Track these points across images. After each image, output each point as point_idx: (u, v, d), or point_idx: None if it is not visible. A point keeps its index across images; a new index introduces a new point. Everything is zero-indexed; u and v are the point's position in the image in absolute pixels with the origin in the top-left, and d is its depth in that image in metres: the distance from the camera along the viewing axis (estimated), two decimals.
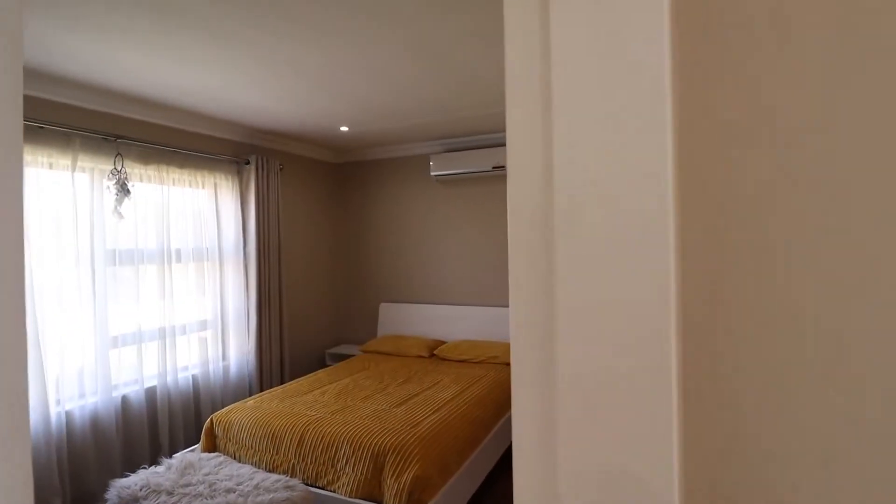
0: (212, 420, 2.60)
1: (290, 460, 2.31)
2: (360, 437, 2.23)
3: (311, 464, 2.26)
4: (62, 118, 2.65)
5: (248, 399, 2.81)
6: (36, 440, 2.44)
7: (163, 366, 3.08)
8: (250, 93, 2.80)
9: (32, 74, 2.42)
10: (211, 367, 3.42)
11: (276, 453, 2.35)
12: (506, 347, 3.61)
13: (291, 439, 2.33)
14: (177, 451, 3.07)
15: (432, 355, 3.83)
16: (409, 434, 2.25)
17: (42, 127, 2.51)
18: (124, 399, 2.90)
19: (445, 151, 4.20)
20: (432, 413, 2.53)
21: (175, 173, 3.19)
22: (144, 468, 2.20)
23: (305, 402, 2.72)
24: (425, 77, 2.60)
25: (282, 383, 3.85)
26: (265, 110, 3.17)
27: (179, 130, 3.28)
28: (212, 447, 2.57)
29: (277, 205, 3.86)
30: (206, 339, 3.40)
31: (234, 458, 2.45)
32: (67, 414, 2.62)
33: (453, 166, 3.98)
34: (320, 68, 2.45)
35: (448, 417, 2.49)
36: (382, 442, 2.18)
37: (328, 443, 2.25)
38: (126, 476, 2.12)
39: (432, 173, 4.06)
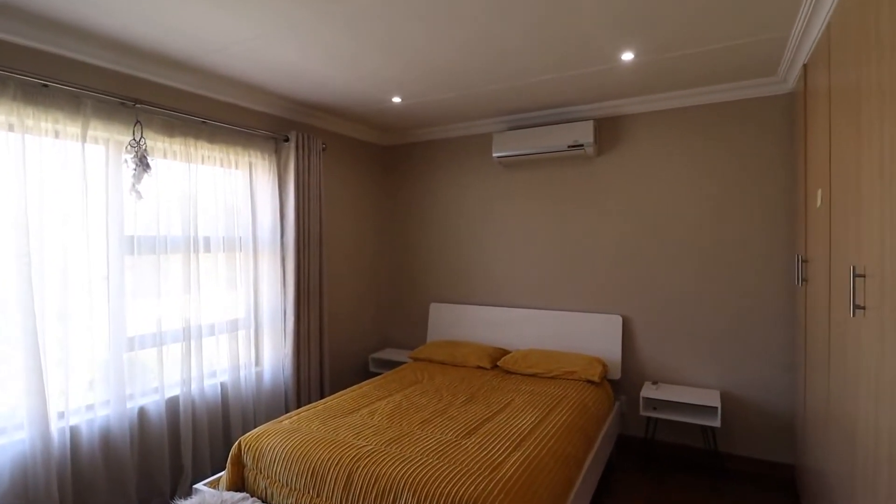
0: (240, 444, 2.12)
1: None
2: (426, 483, 1.69)
3: None
4: (71, 76, 2.23)
5: (283, 418, 2.32)
6: (33, 461, 2.02)
7: (187, 372, 2.63)
8: (289, 49, 2.31)
9: (32, 19, 1.99)
10: (242, 374, 2.96)
11: (318, 496, 1.84)
12: (585, 361, 3.00)
13: (336, 478, 1.82)
14: (202, 476, 2.62)
15: (495, 367, 3.27)
16: (490, 480, 1.69)
17: (46, 84, 2.08)
18: (141, 411, 2.47)
19: (509, 129, 3.62)
20: (513, 449, 1.97)
21: (204, 149, 2.74)
22: None
23: (352, 424, 2.20)
24: (500, 22, 2.03)
25: (321, 392, 3.38)
26: (306, 74, 2.68)
27: (209, 99, 2.83)
28: (239, 479, 2.09)
29: (319, 189, 3.38)
30: (236, 340, 2.94)
31: (266, 499, 1.96)
32: (73, 430, 2.20)
33: (520, 146, 3.40)
34: (375, 14, 1.92)
35: (536, 456, 1.91)
36: (457, 491, 1.63)
37: (384, 487, 1.72)
38: None
39: (494, 155, 3.49)
